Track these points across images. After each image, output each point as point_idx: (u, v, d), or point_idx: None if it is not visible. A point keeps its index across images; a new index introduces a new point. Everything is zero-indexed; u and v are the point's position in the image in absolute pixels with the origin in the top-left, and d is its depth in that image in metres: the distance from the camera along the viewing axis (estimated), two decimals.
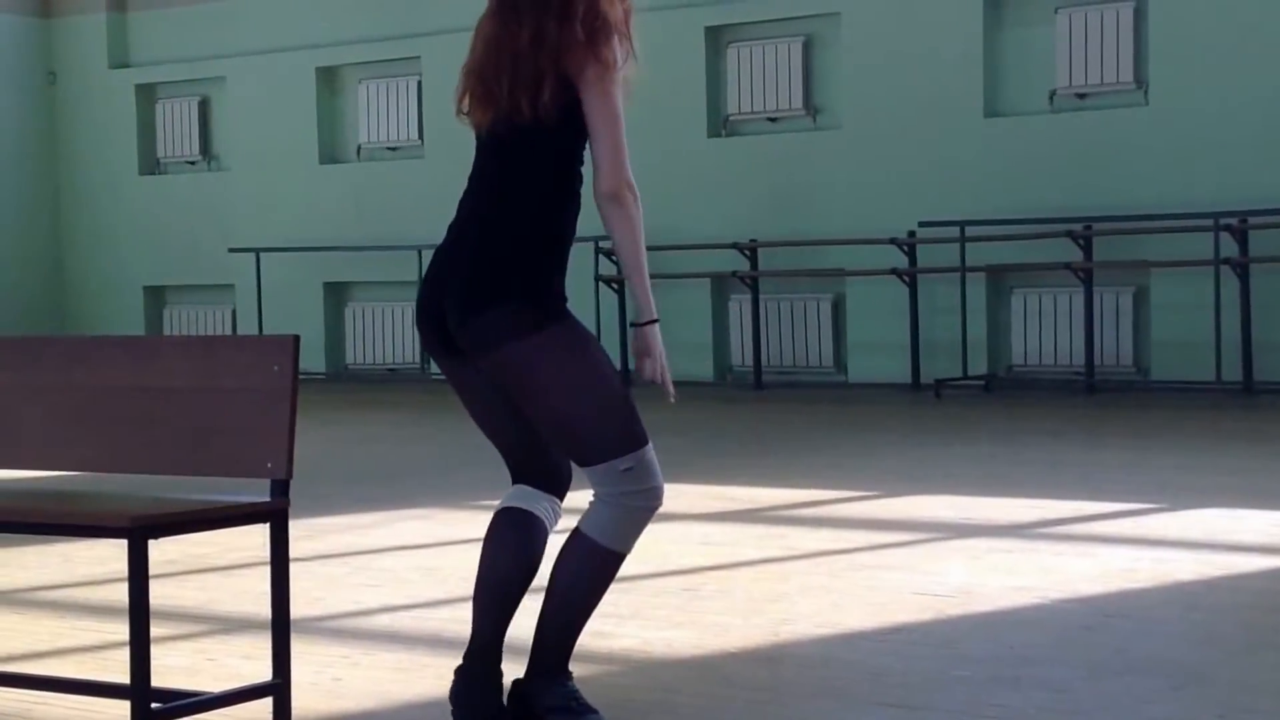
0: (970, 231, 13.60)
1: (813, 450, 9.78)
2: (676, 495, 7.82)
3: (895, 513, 7.38)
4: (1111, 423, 11.13)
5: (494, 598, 3.66)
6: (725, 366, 15.07)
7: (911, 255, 13.85)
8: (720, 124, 15.11)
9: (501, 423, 3.67)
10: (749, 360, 14.61)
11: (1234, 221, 12.56)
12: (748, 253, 14.48)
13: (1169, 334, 13.11)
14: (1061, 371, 13.51)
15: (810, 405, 12.93)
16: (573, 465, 3.75)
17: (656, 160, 13.59)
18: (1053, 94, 13.74)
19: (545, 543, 3.72)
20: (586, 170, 3.66)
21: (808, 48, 14.77)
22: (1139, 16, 13.42)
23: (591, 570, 3.62)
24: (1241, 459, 8.97)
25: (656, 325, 3.62)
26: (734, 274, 14.51)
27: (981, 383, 13.55)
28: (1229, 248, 12.63)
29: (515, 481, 3.71)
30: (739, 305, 14.86)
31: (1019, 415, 11.78)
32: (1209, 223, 12.64)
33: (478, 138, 3.69)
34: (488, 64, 3.59)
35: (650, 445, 3.64)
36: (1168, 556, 6.10)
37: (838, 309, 14.57)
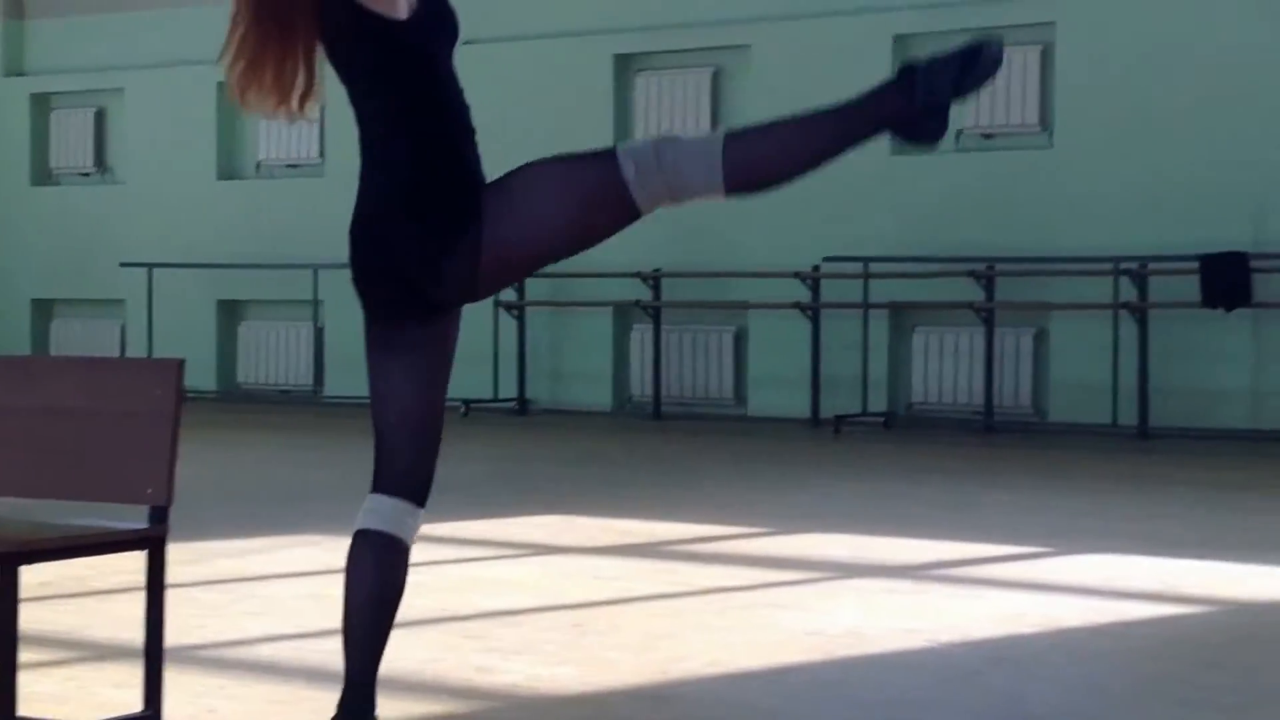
0: (874, 268, 13.65)
1: (710, 484, 9.75)
2: (569, 527, 7.77)
3: (789, 550, 7.36)
4: (1008, 464, 11.18)
5: (365, 633, 3.51)
6: (625, 396, 15.03)
7: (815, 290, 13.88)
8: None
9: (416, 398, 3.49)
10: (649, 390, 14.58)
11: (1134, 266, 12.69)
12: (651, 282, 14.46)
13: (1068, 376, 13.21)
14: (961, 411, 13.58)
15: (709, 438, 12.91)
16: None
17: None
18: (959, 133, 13.84)
19: (408, 566, 3.54)
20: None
21: (717, 78, 14.79)
22: (1046, 59, 13.54)
23: None
24: (1134, 504, 9.02)
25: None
26: (637, 303, 14.48)
27: (881, 420, 13.59)
28: (1128, 292, 12.75)
29: (379, 489, 3.50)
30: (641, 335, 14.83)
31: (917, 454, 11.82)
32: (1109, 267, 12.77)
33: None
34: None
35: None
36: (1056, 602, 6.11)
37: (740, 342, 14.58)
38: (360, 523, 3.51)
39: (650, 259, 14.55)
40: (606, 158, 3.43)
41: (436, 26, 3.47)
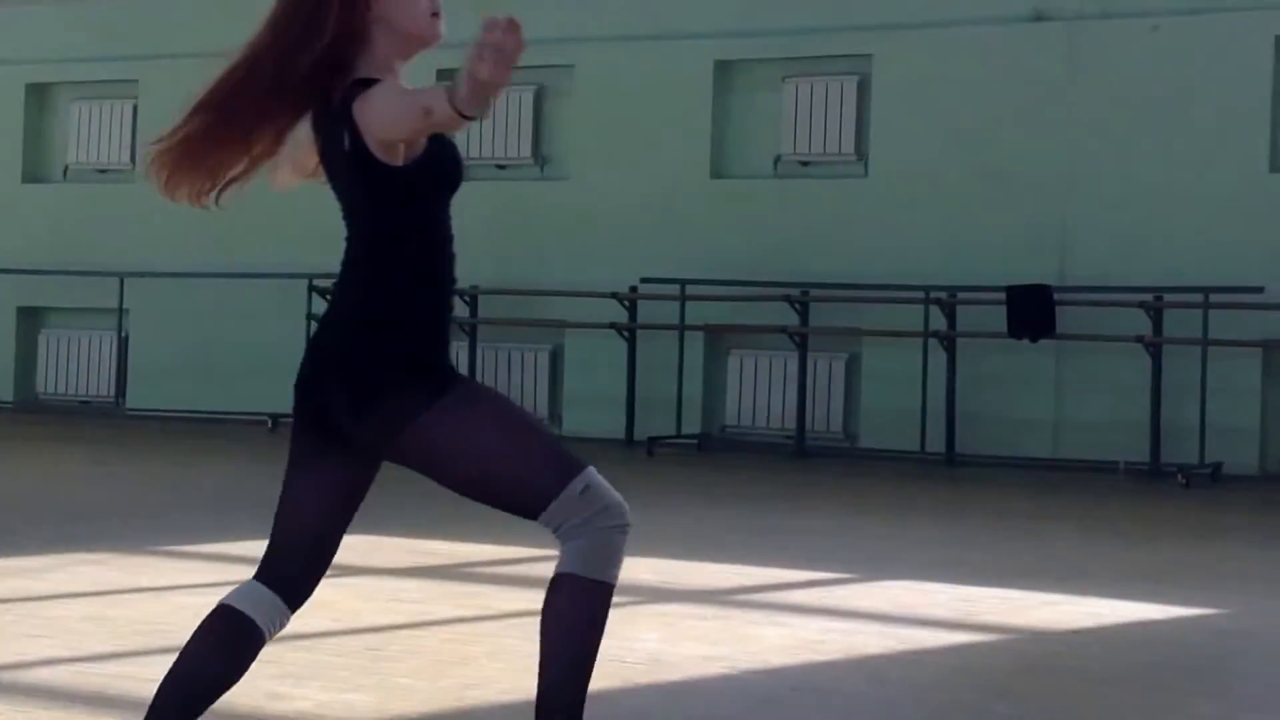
0: (691, 290, 13.69)
1: None
2: (372, 548, 7.64)
3: None
4: (818, 489, 11.26)
5: (186, 701, 3.33)
6: None
7: (632, 311, 13.89)
8: None
9: (317, 518, 3.39)
10: None
11: (943, 296, 12.88)
12: (468, 299, 14.36)
13: (878, 402, 13.36)
14: (773, 434, 13.67)
15: None
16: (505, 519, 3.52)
17: None
18: (777, 160, 13.95)
19: (255, 659, 3.41)
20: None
21: (539, 97, 14.75)
22: (862, 91, 13.70)
23: (588, 611, 3.35)
24: (938, 531, 9.13)
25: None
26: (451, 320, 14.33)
27: (695, 442, 13.62)
28: (938, 321, 12.94)
29: (259, 578, 3.39)
30: (456, 352, 14.70)
31: (729, 477, 11.86)
32: (920, 295, 12.95)
33: None
34: None
35: (593, 467, 3.36)
36: (857, 628, 6.14)
37: (556, 361, 14.53)
38: (229, 599, 3.38)
39: (467, 276, 14.40)
40: (570, 473, 3.29)
41: (438, 174, 3.35)
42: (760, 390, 13.80)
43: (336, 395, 3.29)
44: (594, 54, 14.38)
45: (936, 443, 12.84)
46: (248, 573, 3.55)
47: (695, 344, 13.94)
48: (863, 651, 5.75)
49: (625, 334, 13.84)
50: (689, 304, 13.73)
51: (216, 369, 15.39)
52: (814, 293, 13.40)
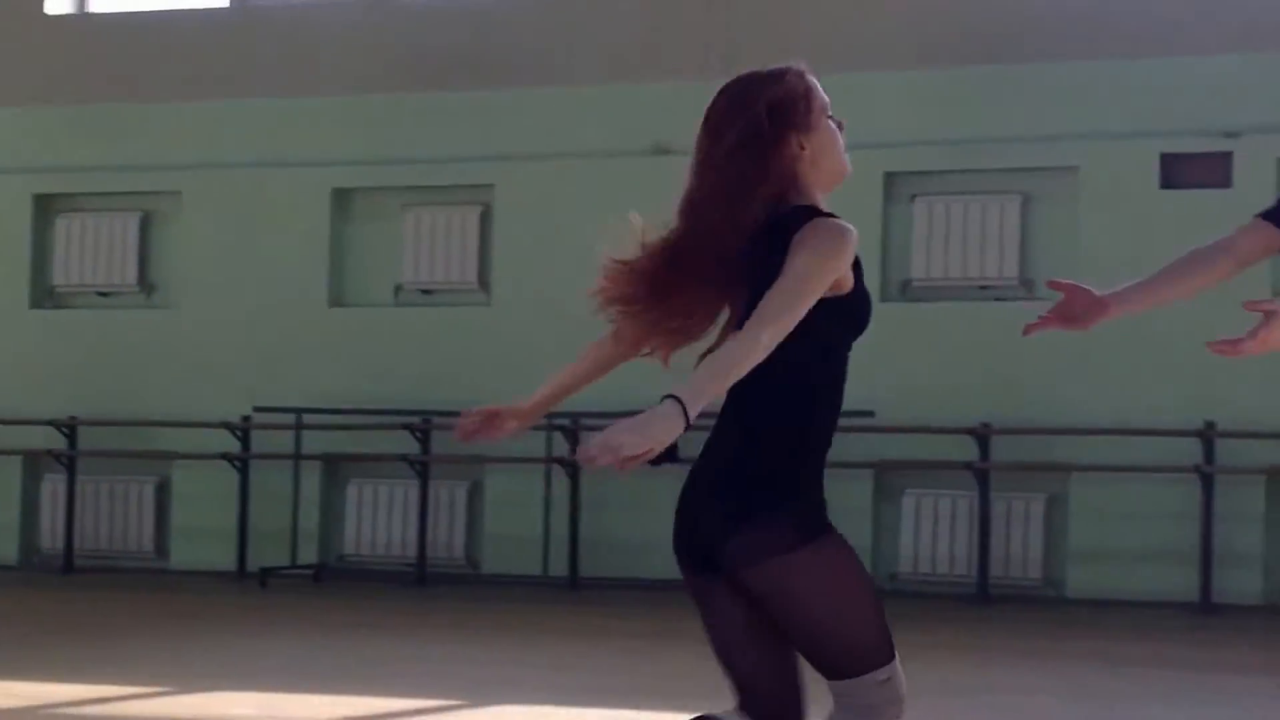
0: (308, 419, 13.35)
1: (121, 640, 9.17)
2: None
3: (187, 710, 6.91)
4: (438, 615, 11.03)
5: None
6: (33, 548, 14.14)
7: (245, 440, 13.46)
8: (44, 295, 14.38)
9: (742, 649, 3.41)
10: (60, 543, 13.73)
11: (567, 422, 12.84)
12: (65, 430, 13.70)
13: (501, 528, 13.21)
14: (394, 562, 13.35)
15: (126, 592, 12.25)
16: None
17: None
18: (398, 288, 13.78)
19: None
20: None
21: (145, 223, 14.27)
22: (485, 219, 13.67)
23: None
24: (556, 655, 8.99)
25: (678, 406, 3.15)
26: (48, 452, 13.69)
27: (311, 572, 13.23)
28: (561, 446, 12.89)
29: (741, 709, 3.42)
30: (53, 485, 14.00)
31: (346, 606, 11.52)
32: (543, 421, 12.84)
33: None
34: None
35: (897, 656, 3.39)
36: None
37: (163, 492, 13.96)
38: None
39: (66, 407, 13.81)
40: (886, 657, 3.37)
41: (860, 312, 3.40)
42: (380, 519, 13.50)
43: (710, 511, 3.35)
44: (204, 179, 13.98)
45: (560, 566, 12.75)
46: None
47: (312, 474, 13.57)
48: None
49: (237, 464, 13.38)
50: (307, 433, 13.38)
51: None
52: (436, 420, 13.21)
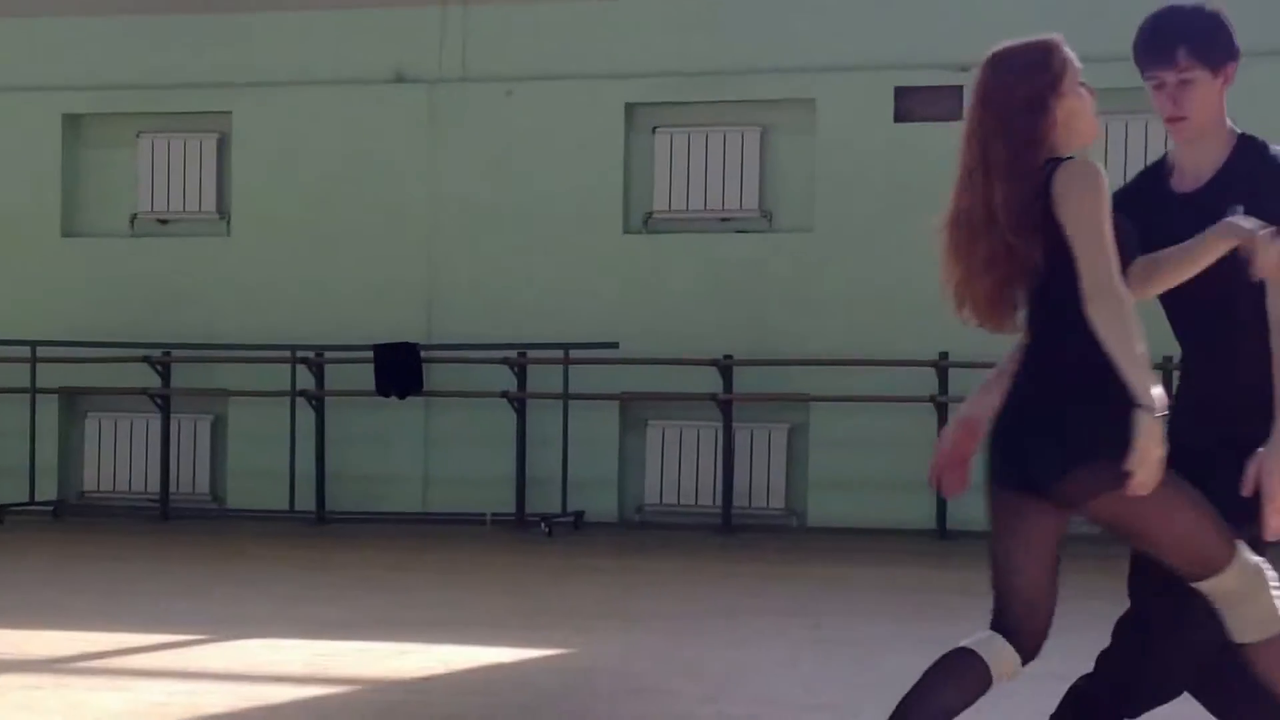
0: (42, 352, 12.99)
1: None
2: None
3: None
4: (181, 551, 10.93)
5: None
6: None
7: None
8: None
9: (1026, 568, 3.73)
10: None
11: (310, 355, 12.71)
12: None
13: (246, 462, 13.05)
14: (136, 498, 13.12)
15: None
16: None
17: None
18: (134, 218, 13.46)
19: (979, 691, 3.68)
20: None
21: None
22: (222, 147, 13.41)
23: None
24: (300, 588, 9.00)
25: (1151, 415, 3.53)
26: None
27: (50, 509, 12.94)
28: (306, 380, 12.77)
29: (994, 627, 3.73)
30: None
31: (86, 542, 11.36)
32: (286, 355, 12.74)
33: None
34: None
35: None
36: (204, 689, 5.94)
37: None
38: (967, 641, 3.74)
39: None
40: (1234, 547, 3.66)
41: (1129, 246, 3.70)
42: (121, 454, 13.24)
43: (1040, 453, 3.65)
44: None
45: (306, 501, 12.65)
46: None
47: (49, 408, 13.22)
48: (207, 711, 5.56)
49: None
50: (42, 366, 13.02)
51: None
52: (176, 353, 12.97)
